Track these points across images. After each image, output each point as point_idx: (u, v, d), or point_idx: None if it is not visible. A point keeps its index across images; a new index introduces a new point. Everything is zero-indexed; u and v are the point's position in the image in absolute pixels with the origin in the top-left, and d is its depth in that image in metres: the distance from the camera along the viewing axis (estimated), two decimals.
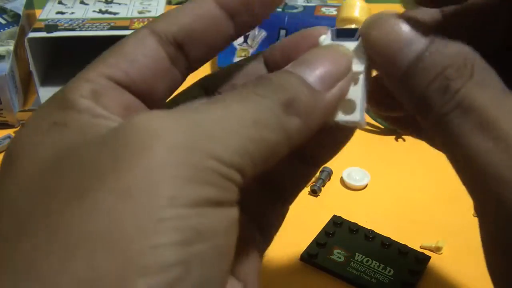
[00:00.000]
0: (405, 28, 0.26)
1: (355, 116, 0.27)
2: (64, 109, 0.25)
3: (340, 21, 0.30)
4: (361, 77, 0.27)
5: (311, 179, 0.33)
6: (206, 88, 0.31)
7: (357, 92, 0.27)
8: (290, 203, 0.32)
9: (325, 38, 0.28)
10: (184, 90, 0.31)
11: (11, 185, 0.24)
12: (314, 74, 0.26)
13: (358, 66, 0.27)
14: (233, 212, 0.23)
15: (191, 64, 0.29)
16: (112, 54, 0.27)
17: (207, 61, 0.29)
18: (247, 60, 0.31)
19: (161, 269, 0.20)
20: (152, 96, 0.27)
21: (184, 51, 0.28)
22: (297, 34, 0.30)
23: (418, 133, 0.33)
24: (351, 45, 0.28)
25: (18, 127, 0.65)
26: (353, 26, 0.29)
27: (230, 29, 0.28)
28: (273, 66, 0.30)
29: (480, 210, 0.27)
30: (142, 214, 0.21)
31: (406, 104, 0.27)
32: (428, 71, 0.25)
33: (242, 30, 0.29)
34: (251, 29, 0.29)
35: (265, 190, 0.31)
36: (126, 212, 0.21)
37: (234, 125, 0.23)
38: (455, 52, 0.25)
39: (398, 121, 0.33)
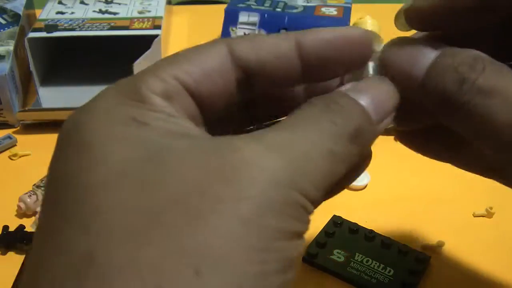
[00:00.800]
0: (417, 44, 0.29)
1: None
2: (140, 104, 0.25)
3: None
4: None
5: None
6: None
7: None
8: None
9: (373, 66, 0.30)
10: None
11: (102, 180, 0.23)
12: (374, 106, 0.27)
13: None
14: (303, 242, 0.25)
15: (251, 94, 0.30)
16: (188, 59, 0.27)
17: (265, 96, 0.31)
18: (278, 41, 0.29)
19: None
20: (210, 111, 0.28)
21: (251, 81, 0.29)
22: (338, 35, 0.29)
23: (425, 150, 0.36)
24: None
25: (18, 127, 0.65)
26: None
27: (300, 75, 0.29)
28: (306, 57, 0.29)
29: None
30: (255, 243, 0.22)
31: (431, 107, 0.29)
32: (442, 72, 0.28)
33: (310, 81, 0.30)
34: (319, 82, 0.31)
35: None
36: (242, 239, 0.22)
37: (317, 158, 0.25)
38: (464, 54, 0.28)
39: (409, 138, 0.36)
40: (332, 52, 0.29)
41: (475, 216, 0.51)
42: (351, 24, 0.74)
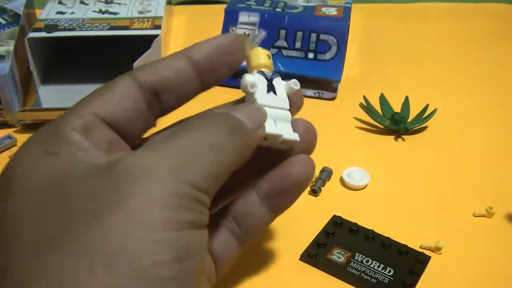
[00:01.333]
0: None
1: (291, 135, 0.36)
2: (56, 139, 0.30)
3: (252, 67, 0.37)
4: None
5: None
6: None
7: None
8: None
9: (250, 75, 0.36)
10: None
11: (15, 204, 0.27)
12: (248, 119, 0.33)
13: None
14: (206, 233, 0.29)
15: (163, 109, 0.35)
16: (101, 95, 0.32)
17: (176, 108, 0.36)
18: (172, 59, 0.35)
19: (160, 283, 0.25)
20: (130, 134, 0.33)
21: (159, 98, 0.34)
22: (219, 41, 0.36)
23: None
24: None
25: (18, 127, 0.65)
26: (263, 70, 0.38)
27: (198, 83, 0.35)
28: (197, 65, 0.35)
29: None
30: (145, 236, 0.25)
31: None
32: None
33: (208, 85, 0.36)
34: (216, 85, 0.36)
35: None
36: (133, 235, 0.25)
37: (198, 150, 0.29)
38: None
39: None
40: (215, 55, 0.35)
41: (475, 216, 0.51)
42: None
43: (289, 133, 0.36)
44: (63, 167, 0.28)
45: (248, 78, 0.36)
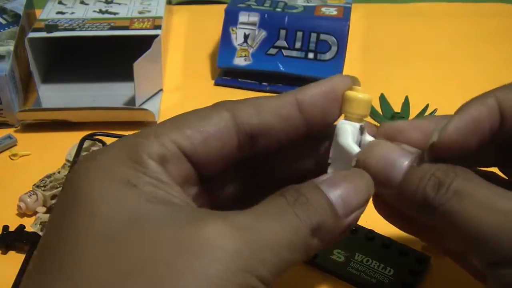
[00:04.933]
0: (393, 148, 0.32)
1: None
2: (136, 166, 0.28)
3: (351, 114, 0.34)
4: None
5: None
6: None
7: None
8: None
9: (353, 134, 0.33)
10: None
11: (83, 231, 0.26)
12: (341, 200, 0.30)
13: None
14: None
15: (255, 152, 0.33)
16: (190, 126, 0.31)
17: (269, 152, 0.33)
18: (280, 103, 0.33)
19: None
20: (206, 171, 0.31)
21: (254, 142, 0.32)
22: (330, 86, 0.33)
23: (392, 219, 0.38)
24: None
25: (18, 127, 0.65)
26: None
27: (303, 131, 0.32)
28: (307, 113, 0.33)
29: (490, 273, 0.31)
30: None
31: (409, 210, 0.32)
32: (421, 176, 0.31)
33: (314, 131, 0.33)
34: (322, 129, 0.33)
35: None
36: None
37: (276, 246, 0.27)
38: (438, 163, 0.31)
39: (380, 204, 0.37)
40: (328, 102, 0.33)
41: None
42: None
43: None
44: (143, 205, 0.27)
45: (354, 147, 0.33)
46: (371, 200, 0.52)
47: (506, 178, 0.37)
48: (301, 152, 0.35)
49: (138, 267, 0.25)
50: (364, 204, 0.31)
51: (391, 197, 0.33)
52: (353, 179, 0.31)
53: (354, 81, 0.34)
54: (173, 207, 0.28)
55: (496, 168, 0.38)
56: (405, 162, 0.32)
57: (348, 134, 0.33)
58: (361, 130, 0.34)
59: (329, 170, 0.34)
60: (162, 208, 0.27)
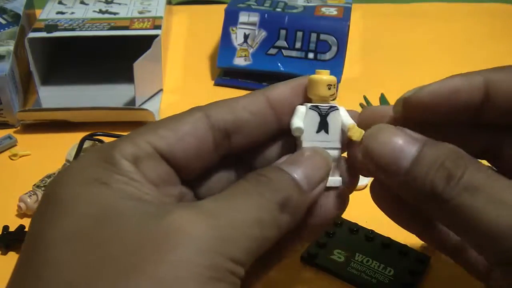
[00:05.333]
0: (400, 134, 0.31)
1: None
2: (108, 166, 0.29)
3: (312, 95, 0.34)
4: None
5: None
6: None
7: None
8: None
9: (301, 113, 0.34)
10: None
11: (57, 230, 0.27)
12: (304, 176, 0.31)
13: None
14: None
15: (231, 150, 0.33)
16: (164, 127, 0.31)
17: (246, 150, 0.34)
18: (251, 99, 0.34)
19: None
20: (186, 171, 0.32)
21: (229, 139, 0.32)
22: (300, 82, 0.34)
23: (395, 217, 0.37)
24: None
25: (18, 127, 0.65)
26: (325, 104, 0.34)
27: (275, 126, 0.33)
28: (276, 108, 0.34)
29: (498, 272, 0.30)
30: None
31: (415, 200, 0.31)
32: (430, 166, 0.29)
33: (286, 126, 0.33)
34: None
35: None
36: None
37: (243, 225, 0.27)
38: (447, 148, 0.30)
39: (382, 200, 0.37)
40: (297, 98, 0.34)
41: None
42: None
43: (331, 180, 0.33)
44: (113, 202, 0.27)
45: (295, 122, 0.33)
46: (370, 200, 0.52)
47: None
48: (282, 150, 0.35)
49: (106, 262, 0.25)
50: (324, 177, 0.32)
51: (396, 185, 0.31)
52: (309, 156, 0.32)
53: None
54: (142, 203, 0.28)
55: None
56: (412, 150, 0.30)
57: (297, 113, 0.34)
58: (325, 114, 0.34)
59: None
60: (132, 203, 0.28)
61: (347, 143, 0.34)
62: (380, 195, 0.36)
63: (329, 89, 0.33)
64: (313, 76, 0.33)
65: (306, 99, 0.34)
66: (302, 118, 0.33)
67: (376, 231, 0.47)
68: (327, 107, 0.34)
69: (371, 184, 0.35)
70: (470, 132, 0.35)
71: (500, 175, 0.29)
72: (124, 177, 0.29)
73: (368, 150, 0.31)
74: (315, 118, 0.33)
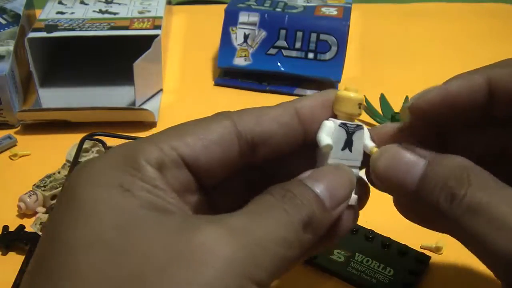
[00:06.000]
0: (405, 154, 0.31)
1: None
2: (132, 171, 0.28)
3: (339, 112, 0.33)
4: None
5: None
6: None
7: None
8: None
9: (329, 129, 0.33)
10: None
11: (76, 235, 0.26)
12: (328, 193, 0.30)
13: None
14: None
15: (256, 160, 0.32)
16: (191, 133, 0.30)
17: (270, 160, 0.33)
18: (280, 111, 0.33)
19: None
20: (207, 179, 0.31)
21: (255, 150, 0.32)
22: (327, 97, 0.33)
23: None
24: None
25: (18, 127, 0.65)
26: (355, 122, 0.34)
27: (301, 140, 0.33)
28: (305, 121, 0.33)
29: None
30: None
31: (425, 212, 0.31)
32: (433, 186, 0.30)
33: (309, 141, 0.33)
34: None
35: None
36: None
37: (270, 245, 0.27)
38: (451, 164, 0.30)
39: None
40: (326, 111, 0.33)
41: None
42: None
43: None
44: (136, 211, 0.27)
45: (324, 139, 0.33)
46: (371, 200, 0.52)
47: None
48: (302, 162, 0.35)
49: (129, 277, 0.25)
50: (348, 196, 0.31)
51: (409, 202, 0.32)
52: (335, 173, 0.32)
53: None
54: (166, 214, 0.27)
55: None
56: (418, 169, 0.31)
57: (325, 128, 0.33)
58: (351, 132, 0.34)
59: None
60: (155, 215, 0.27)
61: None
62: (404, 208, 0.35)
63: (359, 107, 0.33)
64: (345, 93, 0.33)
65: (332, 114, 0.34)
66: (330, 134, 0.33)
67: (376, 231, 0.47)
68: (354, 126, 0.33)
69: (393, 200, 0.35)
70: (482, 131, 0.35)
71: (507, 187, 0.29)
72: (148, 185, 0.28)
73: (376, 174, 0.32)
74: (342, 135, 0.33)
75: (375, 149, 0.33)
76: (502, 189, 0.29)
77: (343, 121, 0.33)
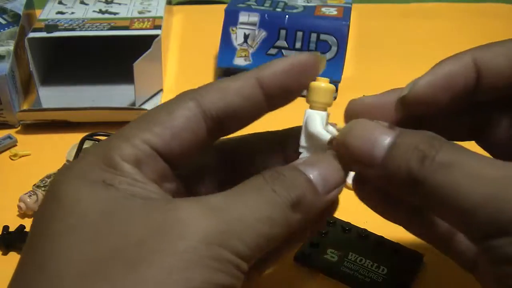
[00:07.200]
0: (375, 125, 0.31)
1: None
2: (111, 169, 0.29)
3: (314, 102, 0.34)
4: None
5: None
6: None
7: None
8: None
9: (322, 120, 0.34)
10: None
11: (65, 228, 0.27)
12: (320, 178, 0.31)
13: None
14: None
15: (223, 133, 0.33)
16: (159, 123, 0.31)
17: (237, 131, 0.34)
18: (241, 83, 0.33)
19: None
20: (180, 163, 0.32)
21: (223, 125, 0.32)
22: (290, 63, 0.33)
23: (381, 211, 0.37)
24: None
25: (18, 127, 0.65)
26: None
27: (265, 108, 0.33)
28: (268, 90, 0.33)
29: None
30: None
31: (394, 189, 0.31)
32: (404, 151, 0.30)
33: (274, 108, 0.34)
34: (282, 106, 0.34)
35: None
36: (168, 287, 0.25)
37: (252, 221, 0.28)
38: (422, 134, 0.30)
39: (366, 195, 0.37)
40: (288, 79, 0.33)
41: None
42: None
43: None
44: (117, 201, 0.28)
45: (324, 133, 0.33)
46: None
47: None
48: (271, 151, 0.35)
49: (109, 253, 0.26)
50: (341, 183, 0.32)
51: (374, 177, 0.32)
52: (330, 160, 0.32)
53: (316, 58, 0.33)
54: (148, 200, 0.28)
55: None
56: (387, 139, 0.31)
57: (317, 121, 0.34)
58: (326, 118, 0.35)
59: (301, 157, 0.34)
60: (140, 201, 0.28)
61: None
62: (364, 190, 0.36)
63: (331, 97, 0.34)
64: (317, 84, 0.34)
65: (302, 86, 0.34)
66: (323, 126, 0.34)
67: (369, 230, 0.48)
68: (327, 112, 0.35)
69: (353, 181, 0.35)
70: (457, 116, 0.35)
71: (475, 152, 0.29)
72: (128, 179, 0.29)
73: (343, 144, 0.32)
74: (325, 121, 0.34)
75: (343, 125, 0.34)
76: (472, 152, 0.29)
77: (327, 113, 0.34)
